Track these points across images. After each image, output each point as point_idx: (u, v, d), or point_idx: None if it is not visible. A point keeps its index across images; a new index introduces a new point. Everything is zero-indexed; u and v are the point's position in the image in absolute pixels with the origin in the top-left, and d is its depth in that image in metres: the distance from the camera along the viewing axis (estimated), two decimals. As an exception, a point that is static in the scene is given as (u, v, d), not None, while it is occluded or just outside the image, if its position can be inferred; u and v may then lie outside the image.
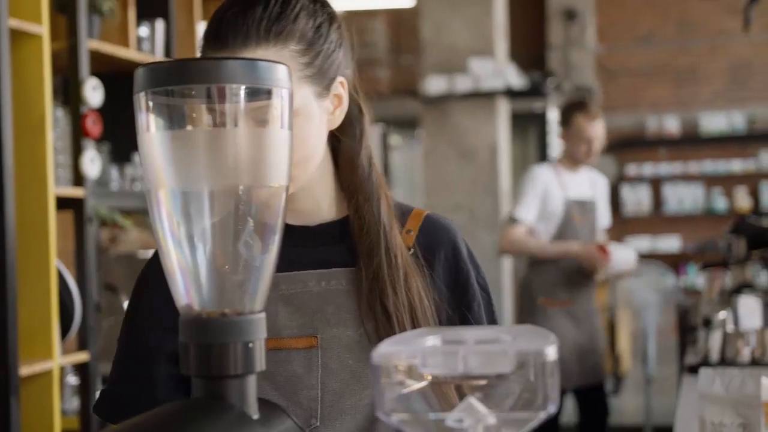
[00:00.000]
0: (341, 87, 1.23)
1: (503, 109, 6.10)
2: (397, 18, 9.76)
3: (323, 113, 1.21)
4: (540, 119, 7.29)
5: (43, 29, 2.65)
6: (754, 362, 2.70)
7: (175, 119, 0.88)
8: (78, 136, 2.85)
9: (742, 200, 9.92)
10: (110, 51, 3.02)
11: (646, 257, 9.55)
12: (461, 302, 1.28)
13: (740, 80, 10.02)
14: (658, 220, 10.18)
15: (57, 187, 2.74)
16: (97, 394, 1.32)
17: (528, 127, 7.36)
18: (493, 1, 5.96)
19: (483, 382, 0.73)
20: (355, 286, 1.21)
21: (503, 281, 6.02)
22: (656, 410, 5.86)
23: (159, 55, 3.29)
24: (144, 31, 3.22)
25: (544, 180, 4.01)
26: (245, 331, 0.85)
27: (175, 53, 3.39)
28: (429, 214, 1.31)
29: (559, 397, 0.73)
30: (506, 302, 6.08)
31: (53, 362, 2.66)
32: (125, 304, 1.33)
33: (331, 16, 1.20)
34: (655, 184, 10.17)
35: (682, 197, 10.07)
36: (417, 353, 0.74)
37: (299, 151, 1.16)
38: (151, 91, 0.85)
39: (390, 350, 0.74)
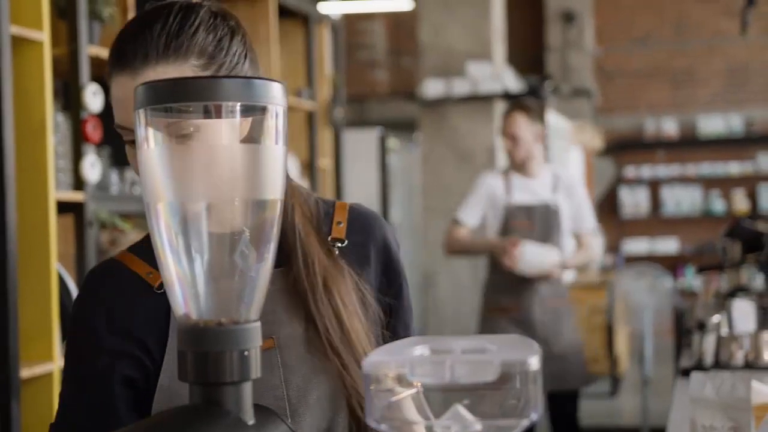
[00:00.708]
0: None
1: (501, 113, 6.14)
2: (395, 20, 9.79)
3: (228, 126, 1.23)
4: (538, 122, 7.31)
5: (44, 35, 2.68)
6: (748, 365, 2.73)
7: (173, 135, 0.92)
8: (78, 140, 2.88)
9: (740, 202, 9.95)
10: (110, 57, 3.05)
11: (643, 259, 9.58)
12: (392, 287, 1.32)
13: (738, 82, 10.05)
14: (656, 222, 10.22)
15: (57, 191, 2.76)
16: None
17: (526, 129, 7.38)
18: (491, 4, 5.99)
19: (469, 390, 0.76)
20: (292, 285, 1.24)
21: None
22: (653, 412, 5.89)
23: (158, 61, 3.32)
24: (144, 36, 3.25)
25: (488, 185, 4.11)
26: (241, 340, 0.88)
27: (175, 58, 3.42)
28: (352, 204, 1.35)
29: (541, 405, 0.76)
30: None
31: (54, 364, 2.69)
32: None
33: (233, 29, 1.20)
34: (653, 186, 10.21)
35: (680, 199, 10.11)
36: (406, 362, 0.77)
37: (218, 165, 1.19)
38: (151, 108, 0.88)
39: (379, 359, 0.77)
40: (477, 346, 0.80)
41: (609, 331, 7.34)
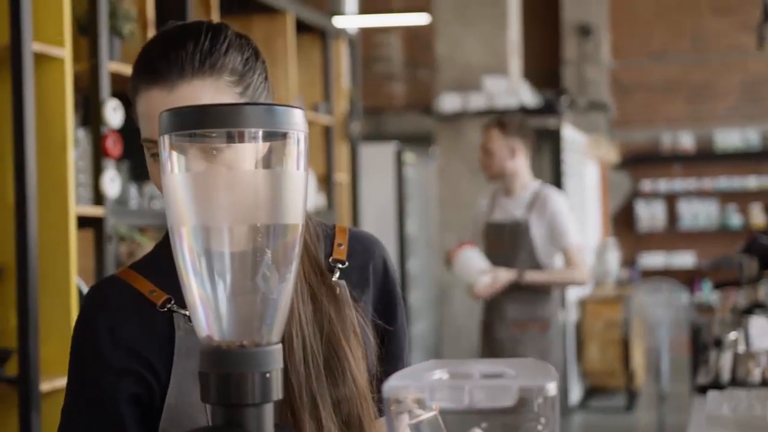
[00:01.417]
0: None
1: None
2: (412, 32, 9.82)
3: (252, 144, 1.25)
4: (554, 136, 7.32)
5: (65, 52, 2.71)
6: (765, 383, 2.72)
7: (197, 160, 0.93)
8: (98, 156, 2.92)
9: (757, 216, 9.91)
10: (130, 72, 3.08)
11: (660, 273, 9.55)
12: (388, 311, 1.33)
13: (755, 97, 10.02)
14: (672, 236, 10.18)
15: (78, 206, 2.79)
16: None
17: (542, 144, 7.38)
18: (508, 18, 6.01)
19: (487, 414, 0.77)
20: None
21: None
22: (669, 428, 5.86)
23: (178, 76, 3.34)
24: (163, 52, 3.29)
25: (478, 206, 4.23)
26: (263, 362, 0.90)
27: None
28: (352, 228, 1.37)
29: (558, 429, 0.77)
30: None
31: (72, 378, 2.71)
32: None
33: (256, 51, 1.24)
34: (670, 200, 10.18)
35: (697, 213, 10.08)
36: (425, 387, 0.78)
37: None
38: (175, 134, 0.90)
39: (399, 384, 0.79)
40: (495, 370, 0.81)
41: (625, 346, 7.32)
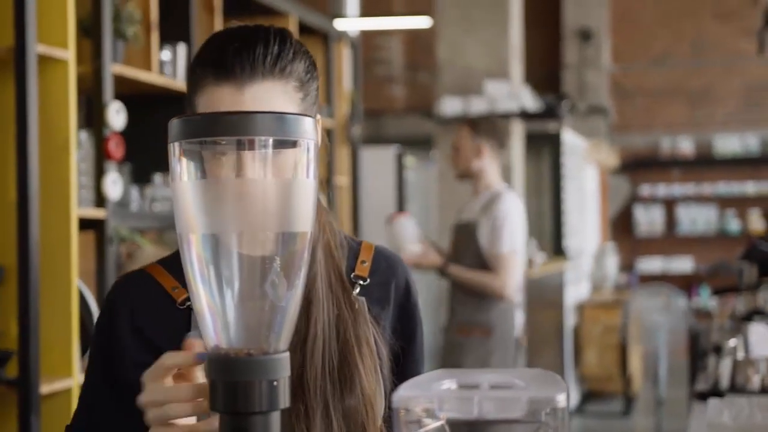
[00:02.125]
0: (318, 125, 1.29)
1: (518, 131, 6.15)
2: (413, 36, 9.82)
3: None
4: (554, 140, 7.32)
5: (69, 54, 2.71)
6: (764, 390, 2.72)
7: (206, 168, 0.93)
8: (101, 158, 2.92)
9: (756, 222, 9.92)
10: (133, 75, 3.08)
11: (658, 278, 9.55)
12: (407, 330, 1.34)
13: (755, 102, 10.03)
14: (670, 240, 10.18)
15: (79, 208, 2.79)
16: None
17: (542, 148, 7.39)
18: (509, 23, 6.01)
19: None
20: None
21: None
22: (667, 433, 5.87)
23: (180, 79, 3.35)
24: (166, 55, 3.29)
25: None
26: (270, 370, 0.90)
27: (196, 77, 3.45)
28: (378, 246, 1.38)
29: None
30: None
31: (73, 380, 2.71)
32: None
33: (314, 62, 1.26)
34: (669, 204, 10.18)
35: (696, 218, 10.08)
36: (434, 398, 0.78)
37: None
38: (185, 141, 0.90)
39: (408, 394, 0.79)
40: (504, 380, 0.81)
41: (623, 351, 7.32)
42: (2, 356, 2.61)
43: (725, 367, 2.85)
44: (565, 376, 6.65)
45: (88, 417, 1.26)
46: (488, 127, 4.06)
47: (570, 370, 7.23)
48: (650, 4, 10.14)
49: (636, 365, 7.56)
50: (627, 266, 9.97)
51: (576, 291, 7.74)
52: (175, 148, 0.90)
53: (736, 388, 2.74)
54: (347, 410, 1.21)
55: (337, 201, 4.87)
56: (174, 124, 0.91)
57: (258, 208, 0.90)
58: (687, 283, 9.76)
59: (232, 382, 0.89)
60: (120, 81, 3.02)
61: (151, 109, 3.30)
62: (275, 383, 0.89)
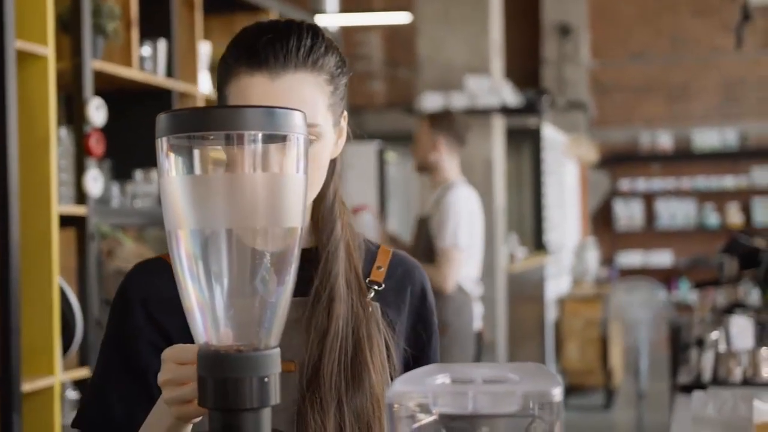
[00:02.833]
0: (344, 120, 1.29)
1: (498, 126, 6.15)
2: (392, 31, 9.81)
3: (332, 143, 1.27)
4: (534, 135, 7.34)
5: (48, 50, 2.68)
6: (746, 382, 2.74)
7: (195, 163, 0.92)
8: (81, 155, 2.89)
9: (734, 216, 9.98)
10: (113, 71, 3.06)
11: (637, 272, 9.60)
12: (422, 337, 1.34)
13: (733, 97, 10.09)
14: (650, 234, 10.24)
15: (60, 205, 2.77)
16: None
17: (522, 142, 7.41)
18: (490, 18, 6.01)
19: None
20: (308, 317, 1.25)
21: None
22: (648, 426, 5.90)
23: (161, 75, 3.32)
24: (146, 50, 3.26)
25: None
26: (261, 366, 0.89)
27: (177, 72, 3.43)
28: (395, 251, 1.38)
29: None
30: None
31: (55, 378, 2.69)
32: None
33: (344, 57, 1.27)
34: (648, 199, 10.23)
35: (675, 212, 10.14)
36: (428, 393, 0.78)
37: (316, 175, 1.22)
38: (173, 136, 0.89)
39: (402, 390, 0.78)
40: (498, 375, 0.81)
41: (603, 344, 7.35)
42: (-17, 355, 2.58)
43: (707, 360, 2.87)
44: (546, 371, 6.66)
45: (102, 401, 1.25)
46: (446, 122, 4.07)
47: (551, 363, 7.26)
48: (629, -1, 10.19)
49: (617, 359, 7.59)
50: (607, 260, 10.01)
51: (557, 285, 7.77)
52: (162, 143, 0.89)
53: (718, 381, 2.76)
54: (356, 407, 1.21)
55: (318, 197, 4.86)
56: (161, 119, 0.90)
57: (247, 203, 0.90)
58: (666, 277, 9.82)
59: (222, 378, 0.89)
60: (100, 77, 2.99)
61: (132, 105, 3.27)
62: (266, 379, 0.89)
